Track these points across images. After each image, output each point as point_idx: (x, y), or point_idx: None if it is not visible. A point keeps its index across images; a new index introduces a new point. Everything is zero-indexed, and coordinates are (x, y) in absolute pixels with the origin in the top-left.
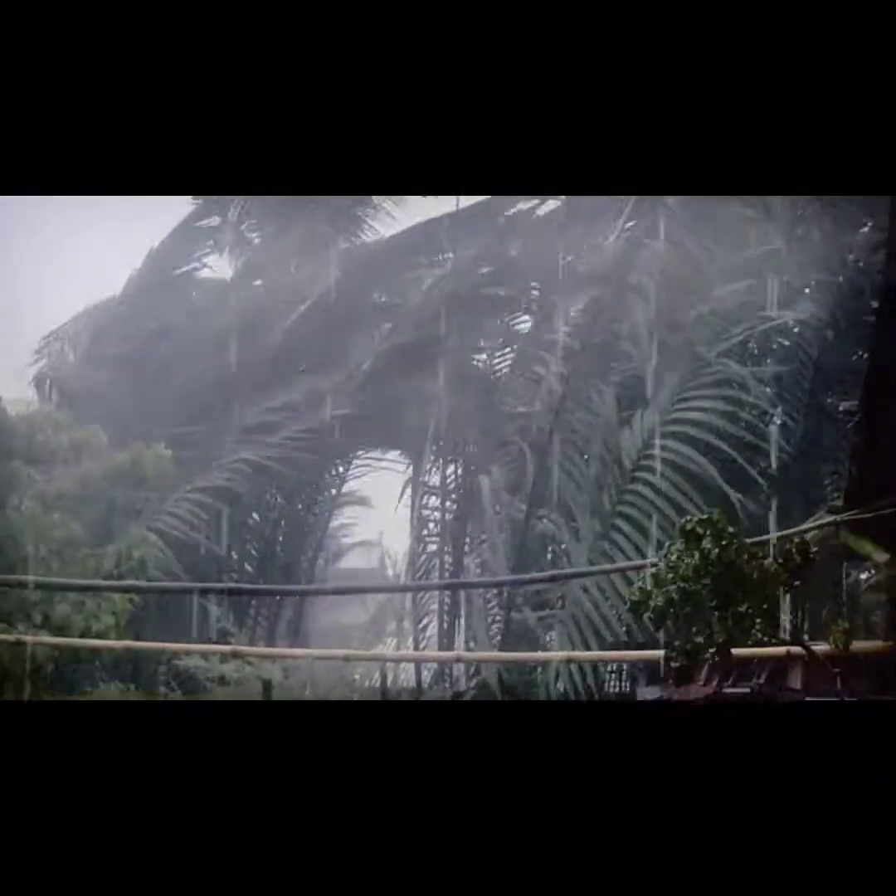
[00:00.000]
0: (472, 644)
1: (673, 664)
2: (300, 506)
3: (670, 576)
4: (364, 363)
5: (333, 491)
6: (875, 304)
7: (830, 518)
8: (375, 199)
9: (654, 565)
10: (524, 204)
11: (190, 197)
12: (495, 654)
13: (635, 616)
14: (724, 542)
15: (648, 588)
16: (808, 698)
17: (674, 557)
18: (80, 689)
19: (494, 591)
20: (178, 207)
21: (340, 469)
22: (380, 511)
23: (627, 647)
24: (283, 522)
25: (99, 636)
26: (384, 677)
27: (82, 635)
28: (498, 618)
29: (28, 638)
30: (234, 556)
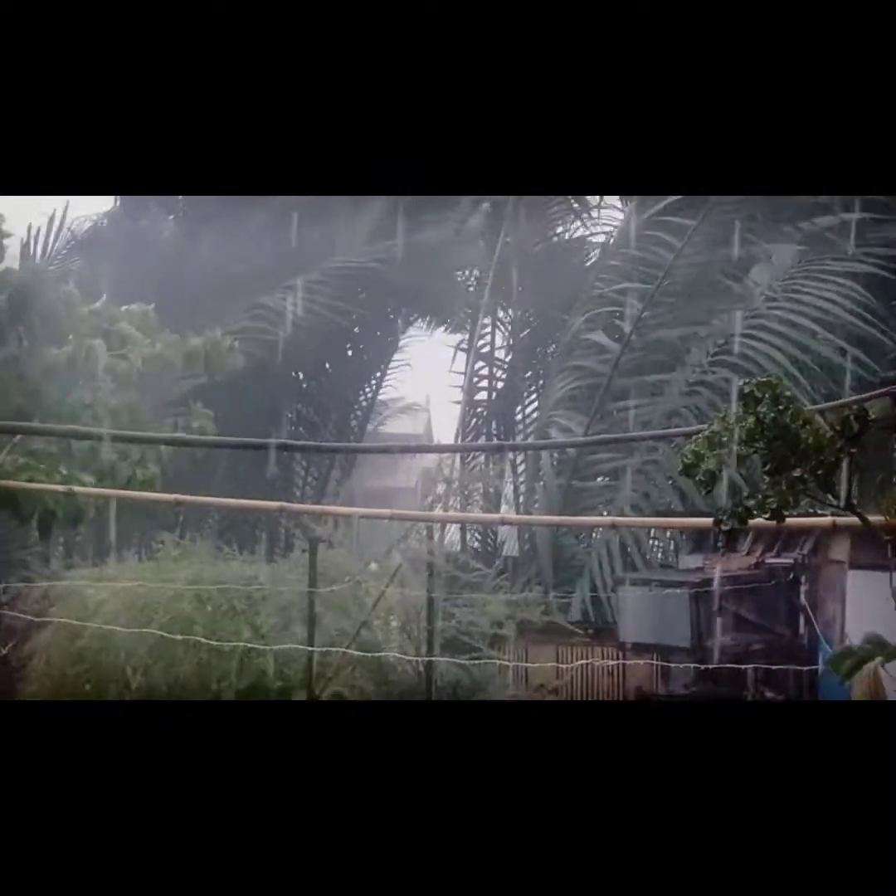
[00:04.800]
0: None
1: (723, 528)
2: (349, 369)
3: (724, 438)
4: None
5: (382, 354)
6: None
7: (884, 389)
8: None
9: (708, 427)
10: None
11: None
12: (540, 517)
13: (687, 478)
14: (780, 407)
15: (701, 451)
16: (851, 569)
17: (732, 420)
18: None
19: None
20: None
21: (390, 330)
22: (428, 375)
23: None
24: (332, 385)
25: (146, 484)
26: (430, 537)
27: (128, 482)
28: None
29: (79, 488)
30: (288, 415)
